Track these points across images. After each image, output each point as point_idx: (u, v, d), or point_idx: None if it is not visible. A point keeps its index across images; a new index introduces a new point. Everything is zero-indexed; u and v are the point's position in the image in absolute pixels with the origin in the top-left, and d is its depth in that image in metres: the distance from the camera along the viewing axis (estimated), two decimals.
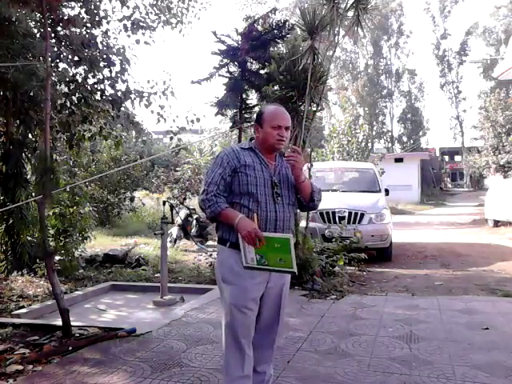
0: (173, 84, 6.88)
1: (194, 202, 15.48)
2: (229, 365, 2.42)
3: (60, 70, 6.13)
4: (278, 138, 2.45)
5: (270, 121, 2.47)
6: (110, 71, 6.33)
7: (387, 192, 9.37)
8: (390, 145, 45.01)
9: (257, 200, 2.38)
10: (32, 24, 6.00)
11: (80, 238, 6.73)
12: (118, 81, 6.41)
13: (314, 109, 6.12)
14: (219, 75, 6.67)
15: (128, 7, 6.71)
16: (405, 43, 44.70)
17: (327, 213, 8.18)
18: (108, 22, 6.52)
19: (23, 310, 4.82)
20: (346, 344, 3.78)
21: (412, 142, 44.56)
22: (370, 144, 20.55)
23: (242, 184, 2.39)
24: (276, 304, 2.51)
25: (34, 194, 6.35)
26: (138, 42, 6.76)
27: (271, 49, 6.58)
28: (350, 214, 8.20)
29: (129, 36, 6.75)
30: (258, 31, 6.55)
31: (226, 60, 6.64)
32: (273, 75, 6.06)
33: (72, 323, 4.01)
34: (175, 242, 9.33)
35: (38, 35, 5.78)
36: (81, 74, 6.28)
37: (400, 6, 43.80)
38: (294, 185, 2.53)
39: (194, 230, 9.52)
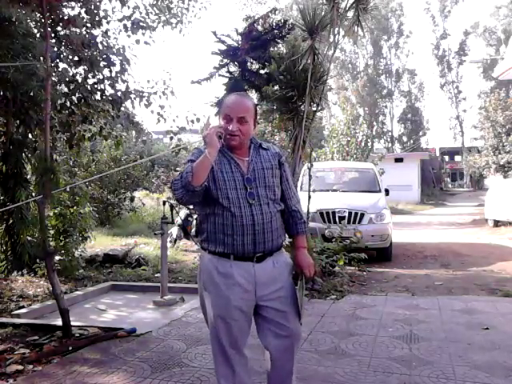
0: (173, 84, 6.90)
1: None
2: (218, 377, 2.25)
3: (60, 70, 6.14)
4: (228, 133, 2.12)
5: (222, 111, 2.18)
6: (110, 71, 6.33)
7: (387, 192, 9.37)
8: (390, 145, 45.01)
9: (229, 206, 2.14)
10: (32, 24, 5.99)
11: (80, 238, 6.72)
12: (118, 81, 6.42)
13: (314, 109, 6.12)
14: (219, 75, 6.66)
15: (128, 7, 6.72)
16: (405, 43, 44.65)
17: (327, 213, 8.18)
18: (108, 22, 6.53)
19: (23, 310, 4.81)
20: (346, 344, 3.78)
21: (412, 141, 44.55)
22: (369, 144, 20.46)
23: (211, 193, 2.16)
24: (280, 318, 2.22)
25: (34, 194, 6.34)
26: (138, 42, 6.76)
27: (271, 49, 6.58)
28: (350, 213, 8.19)
29: (129, 36, 6.75)
30: (258, 31, 6.54)
31: (226, 60, 6.64)
32: (273, 75, 6.05)
33: (72, 323, 4.01)
34: (175, 241, 9.33)
35: (38, 35, 5.78)
36: (81, 74, 6.29)
37: (400, 5, 43.80)
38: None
39: (193, 230, 9.50)
